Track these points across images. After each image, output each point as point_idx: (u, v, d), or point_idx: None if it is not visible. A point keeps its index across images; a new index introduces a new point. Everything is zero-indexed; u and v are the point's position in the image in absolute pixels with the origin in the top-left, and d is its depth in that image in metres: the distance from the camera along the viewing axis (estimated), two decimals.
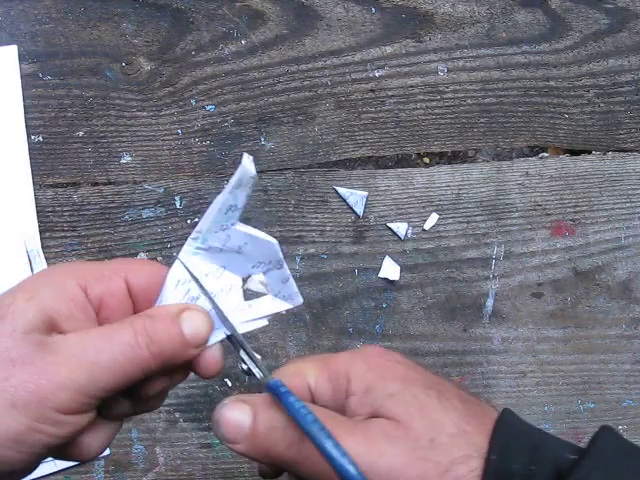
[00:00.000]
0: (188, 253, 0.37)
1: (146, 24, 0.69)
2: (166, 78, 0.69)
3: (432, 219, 0.68)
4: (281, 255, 0.37)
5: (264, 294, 0.38)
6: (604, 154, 0.71)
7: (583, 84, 0.72)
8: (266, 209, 0.67)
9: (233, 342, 0.37)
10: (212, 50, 0.70)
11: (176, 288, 0.37)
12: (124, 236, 0.67)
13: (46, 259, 0.65)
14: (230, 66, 0.70)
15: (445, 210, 0.69)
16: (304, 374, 0.37)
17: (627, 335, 0.68)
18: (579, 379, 0.67)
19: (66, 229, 0.66)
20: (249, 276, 0.38)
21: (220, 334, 0.37)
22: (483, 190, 0.69)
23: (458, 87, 0.71)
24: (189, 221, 0.67)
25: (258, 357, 0.36)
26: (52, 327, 0.33)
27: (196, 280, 0.37)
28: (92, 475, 0.63)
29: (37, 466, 0.34)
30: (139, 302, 0.36)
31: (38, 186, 0.67)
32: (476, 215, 0.69)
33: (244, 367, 0.36)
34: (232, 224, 0.36)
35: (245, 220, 0.61)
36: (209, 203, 0.36)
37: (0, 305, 0.32)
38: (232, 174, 0.35)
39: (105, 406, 0.34)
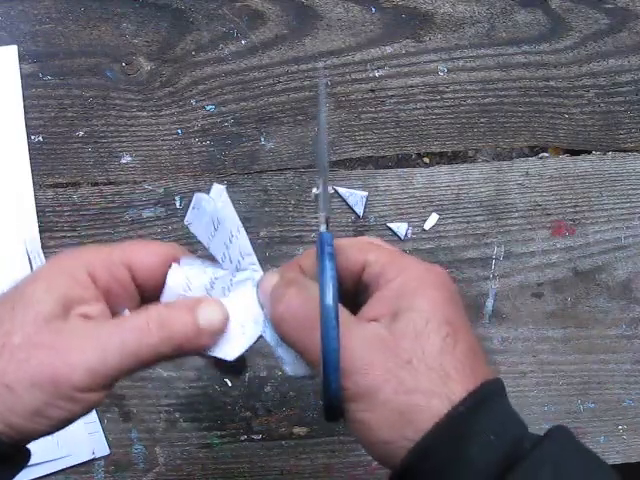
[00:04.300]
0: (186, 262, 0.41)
1: (146, 24, 0.69)
2: (166, 78, 0.69)
3: (432, 219, 0.68)
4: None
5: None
6: (604, 154, 0.71)
7: (583, 84, 0.72)
8: (266, 209, 0.67)
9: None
10: (212, 50, 0.70)
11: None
12: (124, 236, 0.67)
13: (46, 259, 0.65)
14: (230, 66, 0.70)
15: (445, 210, 0.69)
16: (367, 251, 0.38)
17: (627, 335, 0.68)
18: (579, 379, 0.67)
19: (66, 229, 0.66)
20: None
21: (256, 332, 0.39)
22: (483, 190, 0.69)
23: (458, 87, 0.71)
24: None
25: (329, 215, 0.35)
26: (68, 311, 0.36)
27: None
28: (92, 475, 0.63)
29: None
30: (146, 284, 0.39)
31: (38, 186, 0.67)
32: (476, 215, 0.69)
33: (314, 192, 0.36)
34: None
35: (245, 220, 0.61)
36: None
37: (22, 295, 0.36)
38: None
39: None
